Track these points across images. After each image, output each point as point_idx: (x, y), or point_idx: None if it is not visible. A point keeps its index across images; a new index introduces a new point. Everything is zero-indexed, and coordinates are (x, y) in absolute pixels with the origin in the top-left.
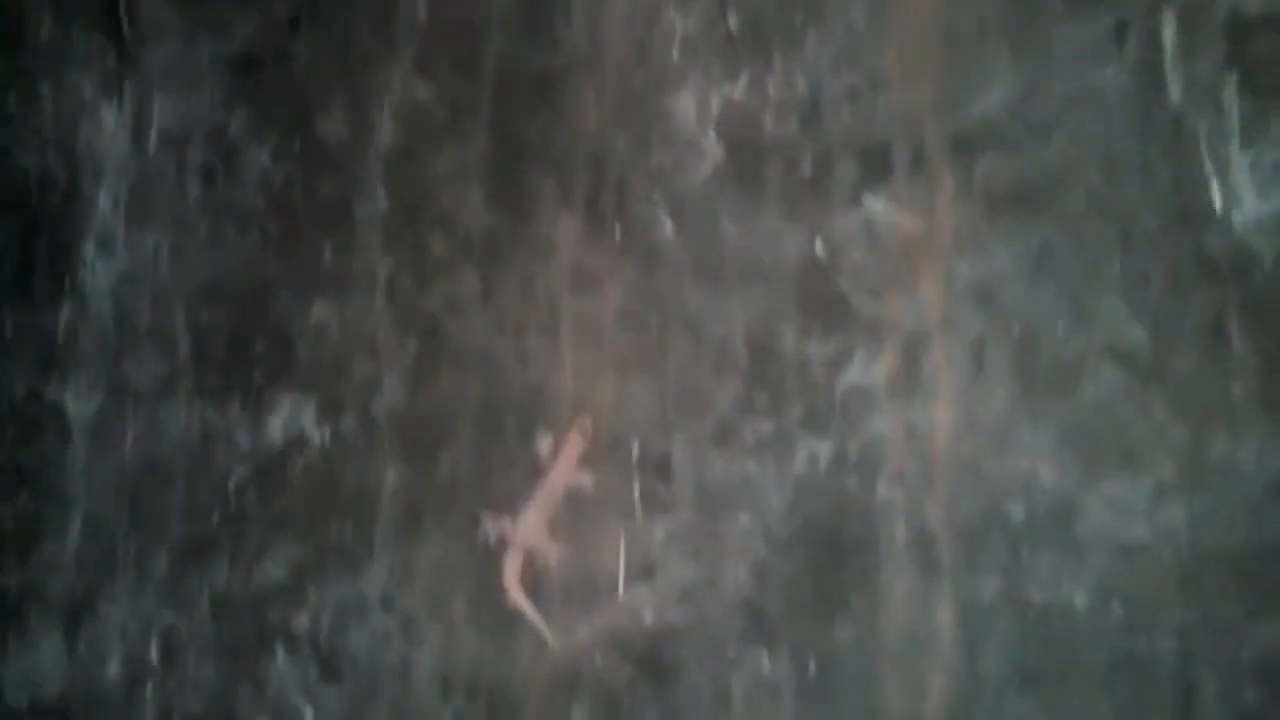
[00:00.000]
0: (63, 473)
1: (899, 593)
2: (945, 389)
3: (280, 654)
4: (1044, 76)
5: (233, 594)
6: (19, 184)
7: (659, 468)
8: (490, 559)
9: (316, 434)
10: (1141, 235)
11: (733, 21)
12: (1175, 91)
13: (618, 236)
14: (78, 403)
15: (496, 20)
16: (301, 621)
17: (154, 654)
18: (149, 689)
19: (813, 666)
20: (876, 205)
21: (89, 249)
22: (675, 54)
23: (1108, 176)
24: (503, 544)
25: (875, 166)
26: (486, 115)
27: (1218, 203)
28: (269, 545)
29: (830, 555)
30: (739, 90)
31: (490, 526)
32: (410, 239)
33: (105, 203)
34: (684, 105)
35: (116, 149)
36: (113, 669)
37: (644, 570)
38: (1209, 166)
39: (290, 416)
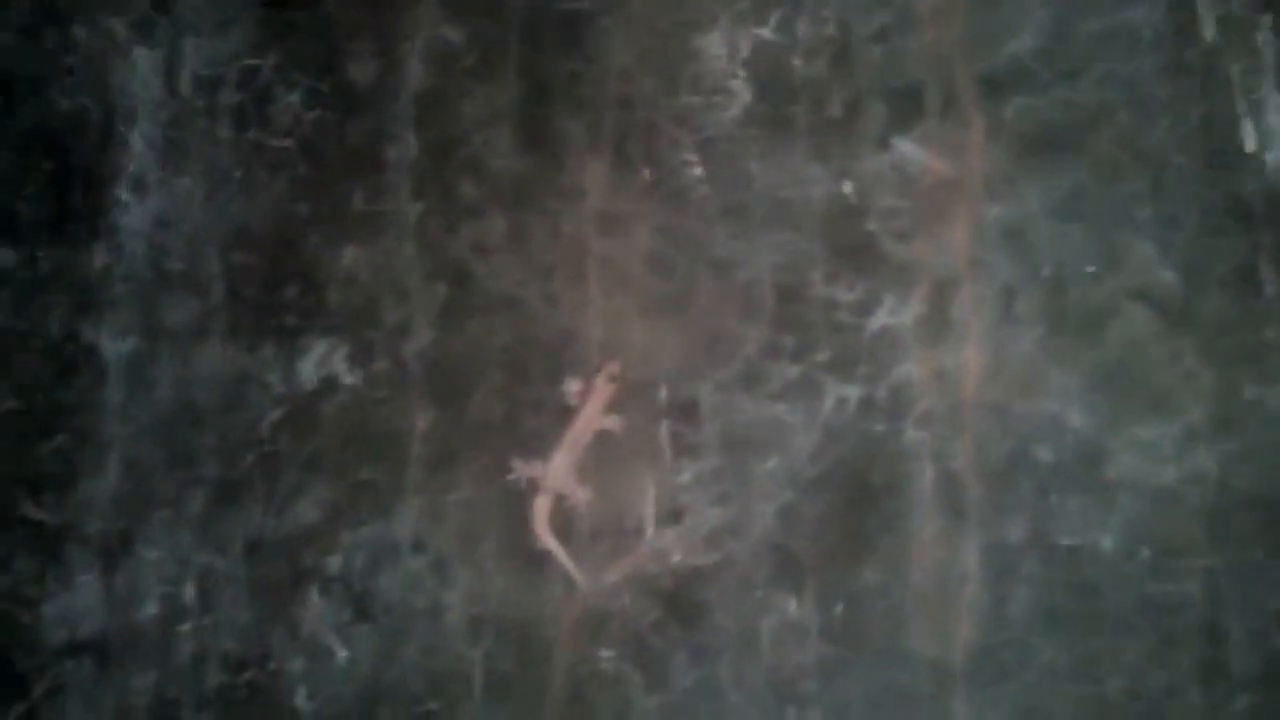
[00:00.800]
0: (99, 413)
1: (926, 535)
2: (974, 332)
3: (314, 595)
4: (1075, 16)
5: (267, 535)
6: (53, 126)
7: (687, 411)
8: (520, 502)
9: (348, 377)
10: (1172, 177)
11: None
12: (1208, 32)
13: (646, 179)
14: (113, 344)
15: None
16: (334, 563)
17: (190, 593)
18: (185, 628)
19: (839, 608)
20: (906, 147)
21: (123, 191)
22: None
23: (1139, 118)
24: (532, 487)
25: (905, 108)
26: (515, 57)
27: (1250, 144)
28: (302, 487)
29: (858, 498)
30: (769, 31)
31: (520, 470)
32: (440, 183)
33: (138, 145)
34: (714, 46)
35: (149, 91)
36: (149, 608)
37: (672, 513)
38: (1241, 107)
39: (322, 360)
